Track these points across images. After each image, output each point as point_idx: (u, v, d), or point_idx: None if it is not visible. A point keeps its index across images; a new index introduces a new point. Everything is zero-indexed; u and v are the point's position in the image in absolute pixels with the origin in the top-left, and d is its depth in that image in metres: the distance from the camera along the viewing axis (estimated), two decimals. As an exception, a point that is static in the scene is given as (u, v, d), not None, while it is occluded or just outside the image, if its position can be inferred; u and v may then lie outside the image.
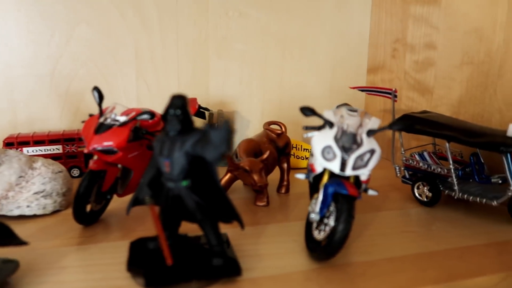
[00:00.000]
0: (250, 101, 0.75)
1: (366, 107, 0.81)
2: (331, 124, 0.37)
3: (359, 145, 0.36)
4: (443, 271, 0.35)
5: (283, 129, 0.58)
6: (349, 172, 0.35)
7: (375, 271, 0.35)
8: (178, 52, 0.70)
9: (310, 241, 0.38)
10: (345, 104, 0.55)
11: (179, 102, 0.31)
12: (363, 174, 0.36)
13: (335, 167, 0.36)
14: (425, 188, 0.50)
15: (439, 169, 0.49)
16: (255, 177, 0.48)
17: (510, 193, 0.43)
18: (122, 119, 0.43)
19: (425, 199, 0.50)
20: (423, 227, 0.45)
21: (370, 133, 0.36)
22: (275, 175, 0.57)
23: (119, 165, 0.44)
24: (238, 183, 0.53)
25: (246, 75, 0.74)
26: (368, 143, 0.36)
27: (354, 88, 0.51)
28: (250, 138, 0.55)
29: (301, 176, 0.41)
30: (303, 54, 0.76)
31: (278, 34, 0.74)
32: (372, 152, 0.36)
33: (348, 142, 0.36)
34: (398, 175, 0.54)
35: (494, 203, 0.44)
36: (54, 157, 0.59)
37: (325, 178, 0.37)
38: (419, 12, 0.66)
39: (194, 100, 0.59)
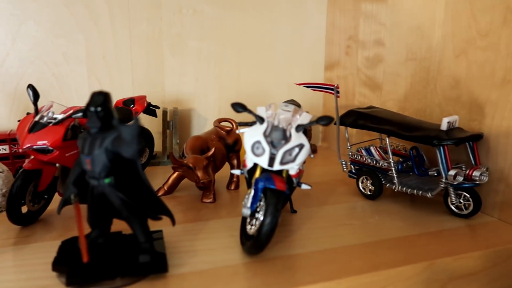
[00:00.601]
0: (206, 99, 0.75)
1: (324, 103, 0.82)
2: (261, 120, 0.38)
3: (287, 140, 0.36)
4: (369, 261, 0.36)
5: (234, 126, 0.58)
6: (277, 166, 0.36)
7: (304, 263, 0.36)
8: (131, 50, 0.69)
9: (244, 235, 0.38)
10: (292, 100, 0.57)
11: (99, 99, 0.31)
12: (292, 168, 0.37)
13: (263, 162, 0.36)
14: (368, 182, 0.51)
15: (381, 163, 0.50)
16: (199, 173, 0.48)
17: (442, 185, 0.44)
18: (60, 117, 0.43)
19: (369, 193, 0.52)
20: (362, 219, 0.46)
21: (299, 128, 0.37)
22: (225, 172, 0.57)
23: (57, 164, 0.44)
24: (188, 180, 0.53)
25: (202, 73, 0.74)
26: (297, 138, 0.37)
27: (299, 84, 0.51)
28: (198, 135, 0.55)
29: (237, 171, 0.42)
30: (260, 51, 0.77)
31: (233, 31, 0.74)
32: (300, 147, 0.36)
33: (277, 137, 0.36)
34: (345, 169, 0.55)
35: (429, 195, 0.45)
36: (1, 157, 0.58)
37: (257, 173, 0.38)
38: (369, 9, 0.67)
39: (143, 98, 0.58)
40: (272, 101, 0.56)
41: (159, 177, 0.58)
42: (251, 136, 0.37)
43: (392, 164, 0.48)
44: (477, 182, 0.44)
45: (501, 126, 0.45)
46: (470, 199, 0.44)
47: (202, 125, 0.75)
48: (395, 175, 0.48)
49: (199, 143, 0.53)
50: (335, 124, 0.50)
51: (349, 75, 0.74)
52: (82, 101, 0.68)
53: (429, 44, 0.55)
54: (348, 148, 0.53)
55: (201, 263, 0.36)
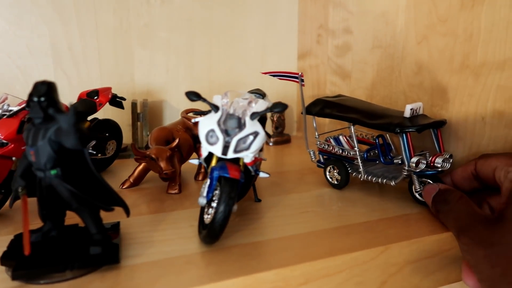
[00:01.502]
0: (178, 90, 0.74)
1: (298, 92, 0.82)
2: (216, 108, 0.37)
3: (241, 128, 0.36)
4: (325, 247, 0.37)
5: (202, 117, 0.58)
6: (231, 155, 0.36)
7: (261, 251, 0.36)
8: (98, 42, 0.68)
9: (201, 225, 0.38)
10: (257, 89, 0.56)
11: (42, 89, 0.31)
12: (247, 156, 0.37)
13: (217, 150, 0.36)
14: (335, 171, 0.51)
15: (347, 152, 0.50)
16: (162, 164, 0.48)
17: (405, 173, 0.44)
18: (15, 109, 0.42)
19: (335, 182, 0.51)
20: (325, 207, 0.46)
21: (254, 116, 0.37)
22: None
23: (14, 158, 0.43)
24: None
25: (172, 64, 0.73)
26: (251, 126, 0.36)
27: (265, 73, 0.51)
28: (163, 126, 0.55)
29: (195, 161, 0.41)
30: (232, 41, 0.76)
31: (204, 21, 0.73)
32: (255, 134, 0.36)
33: (231, 125, 0.36)
34: (313, 159, 0.55)
35: (393, 183, 0.45)
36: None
37: (213, 162, 0.38)
38: (337, -3, 0.67)
39: (108, 89, 0.58)
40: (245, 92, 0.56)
41: (129, 169, 0.58)
42: (205, 125, 0.37)
43: (357, 152, 0.48)
44: (440, 169, 0.43)
45: (460, 112, 0.46)
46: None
47: (173, 117, 0.74)
48: (360, 164, 0.48)
49: (164, 134, 0.53)
50: (302, 113, 0.50)
51: (320, 64, 0.73)
52: (48, 94, 0.67)
53: (393, 31, 0.55)
54: (316, 138, 0.53)
55: (157, 253, 0.36)
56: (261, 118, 0.44)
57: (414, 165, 0.43)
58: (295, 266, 0.34)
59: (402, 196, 0.48)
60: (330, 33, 0.69)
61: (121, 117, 0.70)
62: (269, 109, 0.37)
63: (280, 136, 0.78)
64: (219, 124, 0.36)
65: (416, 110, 0.45)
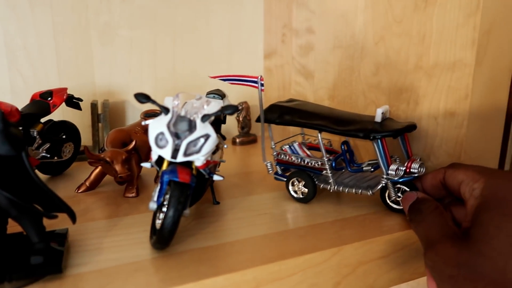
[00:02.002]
0: (141, 90, 0.72)
1: (266, 93, 0.82)
2: (166, 111, 0.36)
3: (192, 130, 0.35)
4: (279, 250, 0.36)
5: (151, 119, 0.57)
6: (180, 158, 0.35)
7: (212, 255, 0.35)
8: (55, 40, 0.66)
9: (153, 230, 0.37)
10: (217, 90, 0.55)
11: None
12: (198, 159, 0.36)
13: (167, 154, 0.35)
14: (300, 184, 0.47)
15: (313, 162, 0.46)
16: (117, 167, 0.46)
17: (384, 182, 0.42)
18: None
19: (301, 196, 0.47)
20: (282, 208, 0.46)
21: (205, 118, 0.36)
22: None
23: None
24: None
25: (135, 63, 0.71)
26: (202, 129, 0.36)
27: (214, 77, 0.48)
28: (120, 128, 0.53)
29: (146, 164, 0.40)
30: (196, 41, 0.75)
31: (167, 20, 0.72)
32: (206, 137, 0.36)
33: (181, 128, 0.35)
34: (270, 171, 0.50)
35: (370, 193, 0.43)
36: None
37: (164, 166, 0.37)
38: (300, -3, 0.67)
39: (63, 90, 0.56)
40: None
41: (88, 173, 0.56)
42: (154, 127, 0.36)
43: (326, 162, 0.44)
44: (416, 175, 0.41)
45: (415, 112, 0.46)
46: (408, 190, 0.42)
47: (136, 118, 0.73)
48: (330, 174, 0.45)
49: (121, 136, 0.52)
50: (257, 121, 0.48)
51: (285, 63, 0.73)
52: (3, 96, 0.65)
53: (353, 31, 0.55)
54: (272, 148, 0.49)
55: (104, 261, 0.35)
56: (217, 120, 0.44)
57: (393, 173, 0.41)
58: (246, 270, 0.33)
59: (360, 197, 0.48)
60: (294, 33, 0.69)
61: (82, 118, 0.68)
62: (220, 111, 0.36)
63: (246, 136, 0.77)
64: (168, 127, 0.35)
65: (385, 114, 0.43)
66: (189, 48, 0.75)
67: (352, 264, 0.38)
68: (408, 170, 0.41)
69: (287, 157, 0.48)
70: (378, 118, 0.42)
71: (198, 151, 0.35)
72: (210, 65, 0.77)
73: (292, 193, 0.48)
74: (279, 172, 0.50)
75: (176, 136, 0.35)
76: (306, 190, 0.46)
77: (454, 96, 0.42)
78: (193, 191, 0.37)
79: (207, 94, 0.53)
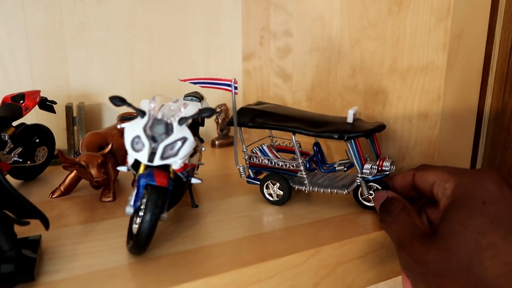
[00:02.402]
0: (117, 93, 0.71)
1: (244, 95, 0.82)
2: (142, 114, 0.36)
3: (169, 134, 0.35)
4: (257, 252, 0.36)
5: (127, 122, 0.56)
6: (157, 162, 0.35)
7: (190, 259, 0.35)
8: (28, 42, 0.64)
9: (130, 235, 0.37)
10: (195, 93, 0.55)
11: None
12: (175, 163, 0.36)
13: (143, 157, 0.35)
14: (275, 186, 0.47)
15: (288, 164, 0.46)
16: (93, 171, 0.45)
17: (358, 181, 0.43)
18: None
19: (276, 198, 0.47)
20: (261, 211, 0.46)
21: (182, 121, 0.36)
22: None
23: None
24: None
25: (111, 65, 0.70)
26: (180, 131, 0.35)
27: (184, 80, 0.47)
28: (96, 131, 0.52)
29: (123, 168, 0.40)
30: (174, 43, 0.74)
31: (143, 22, 0.71)
32: (183, 140, 0.35)
33: (158, 131, 0.35)
34: (243, 176, 0.49)
35: (345, 192, 0.43)
36: None
37: (141, 169, 0.36)
38: (278, -1, 0.67)
39: (36, 92, 0.54)
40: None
41: (63, 177, 0.55)
42: (130, 131, 0.35)
43: (301, 163, 0.45)
44: (388, 173, 0.42)
45: (390, 114, 0.47)
46: (380, 189, 0.43)
47: (113, 121, 0.72)
48: (305, 176, 0.45)
49: (96, 139, 0.51)
50: (229, 125, 0.48)
51: (263, 65, 0.74)
52: (-28, 98, 0.62)
53: (330, 34, 0.56)
54: (243, 151, 0.48)
55: (79, 267, 0.34)
56: (194, 123, 0.43)
57: (368, 171, 0.42)
58: (225, 274, 0.33)
59: (336, 198, 0.49)
60: (272, 35, 0.69)
61: (57, 121, 0.66)
62: (197, 114, 0.36)
63: (225, 139, 0.77)
64: (145, 130, 0.35)
65: (356, 114, 0.44)
66: (167, 50, 0.74)
67: (331, 265, 0.38)
68: (380, 168, 0.43)
69: (259, 160, 0.48)
70: (350, 119, 0.43)
71: (175, 154, 0.35)
72: (189, 67, 0.76)
73: (267, 196, 0.48)
74: (251, 175, 0.49)
75: (153, 139, 0.35)
76: (281, 192, 0.47)
77: (427, 98, 0.43)
78: (170, 194, 0.37)
79: (184, 97, 0.52)
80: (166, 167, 0.37)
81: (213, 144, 0.77)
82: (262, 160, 0.48)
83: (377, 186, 0.43)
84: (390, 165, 0.42)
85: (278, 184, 0.47)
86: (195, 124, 0.42)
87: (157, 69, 0.74)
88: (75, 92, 0.69)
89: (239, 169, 0.50)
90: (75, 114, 0.65)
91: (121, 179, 0.56)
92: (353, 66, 0.52)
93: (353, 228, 0.41)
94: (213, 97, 0.79)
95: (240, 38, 0.80)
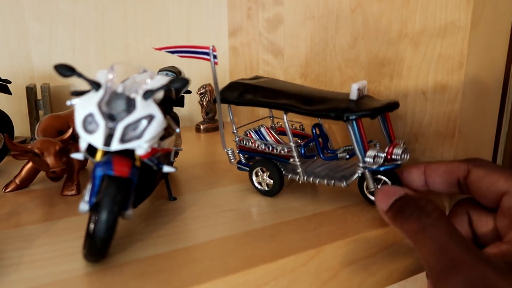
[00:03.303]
0: (88, 72, 0.62)
1: (231, 70, 0.74)
2: (97, 86, 0.29)
3: (130, 110, 0.28)
4: (244, 255, 0.30)
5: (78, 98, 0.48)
6: (116, 145, 0.27)
7: (162, 266, 0.28)
8: (-21, 13, 0.56)
9: (87, 237, 0.30)
10: (172, 67, 0.48)
11: None
12: (139, 147, 0.28)
13: (97, 140, 0.27)
14: (265, 174, 0.40)
15: (279, 149, 0.39)
16: (49, 160, 0.38)
17: (360, 171, 0.35)
18: None
19: (266, 188, 0.41)
20: (250, 203, 0.39)
21: (148, 94, 0.29)
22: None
23: None
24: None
25: (80, 41, 0.62)
26: (144, 108, 0.28)
27: (159, 49, 0.40)
28: (56, 114, 0.45)
29: (77, 155, 0.32)
30: (151, 16, 0.66)
31: (115, -8, 0.63)
32: (149, 118, 0.28)
33: (116, 107, 0.28)
34: (232, 160, 0.43)
35: (344, 184, 0.36)
36: None
37: (98, 156, 0.29)
38: (267, -36, 0.59)
39: (-16, 70, 0.46)
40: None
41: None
42: (81, 108, 0.28)
43: (293, 148, 0.38)
44: (399, 163, 0.34)
45: (399, 87, 0.40)
46: (390, 183, 0.35)
47: (84, 104, 0.64)
48: (298, 163, 0.38)
49: (56, 123, 0.43)
50: (214, 101, 0.41)
51: (251, 40, 0.66)
52: None
53: (326, 0, 0.48)
54: (234, 133, 0.42)
55: (20, 281, 0.27)
56: (167, 99, 0.36)
57: (371, 160, 0.34)
58: (203, 284, 0.26)
59: (339, 187, 0.42)
60: (261, 5, 0.62)
61: (18, 105, 0.59)
62: (166, 85, 0.29)
63: (211, 123, 0.70)
64: (100, 107, 0.28)
65: (362, 90, 0.36)
66: (143, 24, 0.66)
67: (334, 268, 0.32)
68: (389, 157, 0.35)
69: (251, 144, 0.41)
70: (353, 96, 0.35)
71: (139, 136, 0.28)
72: (167, 43, 0.69)
73: (257, 185, 0.41)
74: (243, 161, 0.43)
75: (110, 117, 0.28)
76: (271, 181, 0.40)
77: (446, 66, 0.36)
78: (138, 186, 0.30)
79: (159, 72, 0.45)
80: (130, 153, 0.29)
81: (197, 129, 0.70)
82: (254, 143, 0.41)
83: (386, 179, 0.35)
84: (402, 153, 0.34)
85: (268, 172, 0.40)
86: (167, 101, 0.35)
87: (132, 46, 0.66)
88: (39, 72, 0.61)
89: (227, 153, 0.43)
90: (39, 97, 0.57)
91: (88, 169, 0.49)
92: (354, 34, 0.45)
93: (359, 222, 0.34)
94: (197, 76, 0.71)
95: (225, 10, 0.72)
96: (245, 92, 0.39)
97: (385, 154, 0.34)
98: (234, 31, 0.71)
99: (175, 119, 0.44)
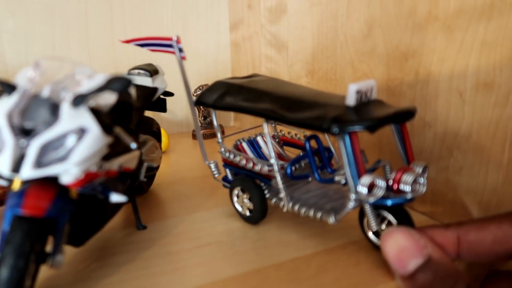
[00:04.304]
0: (69, 72, 0.57)
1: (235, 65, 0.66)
2: (9, 89, 0.21)
3: (50, 121, 0.20)
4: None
5: None
6: (29, 172, 0.20)
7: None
8: None
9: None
10: (149, 65, 0.40)
11: None
12: (66, 172, 0.21)
13: (2, 164, 0.20)
14: (245, 196, 0.33)
15: (260, 166, 0.31)
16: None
17: (351, 205, 0.26)
18: None
19: (247, 213, 0.33)
20: (236, 234, 0.31)
21: (78, 100, 0.21)
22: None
23: None
24: None
25: (60, 37, 0.56)
26: (73, 118, 0.21)
27: (127, 41, 0.32)
28: None
29: None
30: (141, 8, 0.59)
31: (99, -19, 0.56)
32: (80, 132, 0.20)
33: (34, 117, 0.20)
34: (216, 175, 0.35)
35: (331, 220, 0.27)
36: None
37: (16, 185, 0.21)
38: None
39: None
40: (166, 74, 0.40)
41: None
42: (-13, 118, 0.21)
43: (275, 166, 0.29)
44: (409, 196, 0.25)
45: (427, 85, 0.31)
46: (395, 223, 0.26)
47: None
48: (281, 186, 0.29)
49: None
50: (197, 104, 0.33)
51: (253, 34, 0.58)
52: None
53: (336, -21, 0.40)
54: (218, 142, 0.34)
55: None
56: (123, 104, 0.28)
57: (365, 191, 0.24)
58: None
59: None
60: (262, -7, 0.54)
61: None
62: (102, 88, 0.21)
63: (209, 128, 0.62)
64: (10, 117, 0.20)
65: (365, 92, 0.27)
66: (132, 18, 0.59)
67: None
68: (395, 186, 0.25)
69: (235, 158, 0.33)
70: (351, 100, 0.26)
71: (64, 158, 0.20)
72: (161, 40, 0.61)
73: (238, 207, 0.34)
74: (229, 176, 0.35)
75: (24, 132, 0.20)
76: (252, 205, 0.32)
77: (492, 57, 0.27)
78: (78, 221, 0.22)
79: (129, 71, 0.38)
80: (54, 181, 0.22)
81: (194, 135, 0.62)
82: (235, 156, 0.33)
83: (391, 218, 0.26)
84: (415, 183, 0.25)
85: (248, 194, 0.33)
86: (123, 107, 0.27)
87: (119, 43, 0.59)
88: (13, 71, 0.54)
89: (210, 167, 0.35)
90: None
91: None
92: (370, 21, 0.36)
93: (374, 268, 0.26)
94: (193, 75, 0.64)
95: (225, 3, 0.64)
96: (226, 94, 0.31)
97: (385, 183, 0.24)
98: (235, 24, 0.63)
99: (150, 127, 0.36)
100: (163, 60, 0.52)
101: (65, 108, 0.21)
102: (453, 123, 0.30)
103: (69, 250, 0.28)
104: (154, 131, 0.40)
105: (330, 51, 0.42)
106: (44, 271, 0.26)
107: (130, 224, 0.33)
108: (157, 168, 0.41)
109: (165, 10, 0.61)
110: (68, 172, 0.21)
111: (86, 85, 0.22)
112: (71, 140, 0.20)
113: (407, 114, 0.26)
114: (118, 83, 0.20)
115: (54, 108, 0.21)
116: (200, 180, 0.44)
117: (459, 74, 0.29)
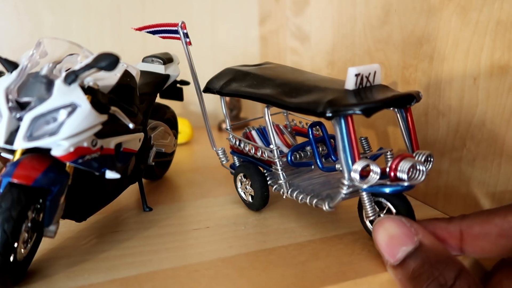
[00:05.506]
0: (103, 65, 0.60)
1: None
2: (11, 66, 0.23)
3: (44, 97, 0.21)
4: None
5: None
6: (21, 143, 0.21)
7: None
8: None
9: None
10: (165, 53, 0.41)
11: None
12: (56, 145, 0.22)
13: (-1, 136, 0.21)
14: (247, 182, 0.33)
15: (260, 152, 0.31)
16: None
17: (344, 191, 0.25)
18: None
19: (250, 200, 0.33)
20: (235, 219, 0.31)
21: (70, 77, 0.22)
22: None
23: None
24: None
25: (94, 32, 0.59)
26: (64, 94, 0.22)
27: (139, 29, 0.34)
28: None
29: None
30: (171, 4, 0.61)
31: (132, -22, 0.59)
32: (71, 108, 0.21)
33: (30, 92, 0.22)
34: (224, 162, 0.36)
35: (326, 207, 0.26)
36: None
37: (16, 156, 0.23)
38: None
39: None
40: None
41: None
42: (-13, 93, 0.22)
43: (275, 153, 0.29)
44: (407, 184, 0.23)
45: (441, 71, 0.30)
46: (394, 213, 0.25)
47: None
48: (280, 172, 0.29)
49: None
50: (205, 91, 0.34)
51: (279, 27, 0.58)
52: None
53: (354, -35, 0.39)
54: (227, 130, 0.35)
55: None
56: (123, 86, 0.29)
57: (357, 176, 0.24)
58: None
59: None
60: (287, -15, 0.53)
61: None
62: (89, 65, 0.22)
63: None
64: (8, 92, 0.22)
65: (366, 76, 0.26)
66: (164, 13, 0.61)
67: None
68: (393, 173, 0.23)
69: (241, 145, 0.33)
70: (349, 85, 0.25)
71: (56, 132, 0.21)
72: (193, 34, 0.62)
73: (241, 194, 0.34)
74: (237, 164, 0.35)
75: (21, 106, 0.22)
76: (253, 192, 0.32)
77: (508, 38, 0.25)
78: (76, 195, 0.24)
79: (144, 58, 0.39)
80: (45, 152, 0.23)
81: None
82: (240, 143, 0.33)
83: (390, 205, 0.25)
84: (412, 169, 0.23)
85: (249, 180, 0.33)
86: (124, 90, 0.27)
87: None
88: None
89: (217, 153, 0.36)
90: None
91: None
92: (387, 6, 0.35)
93: (368, 258, 0.25)
94: (219, 65, 0.65)
95: (255, -3, 0.64)
96: (232, 81, 0.32)
97: (380, 169, 0.23)
98: (264, 18, 0.63)
99: (162, 114, 0.37)
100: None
101: (58, 85, 0.22)
102: (467, 111, 0.28)
103: (73, 226, 0.30)
104: (169, 119, 0.41)
105: (349, 40, 0.41)
106: (47, 243, 0.27)
107: (137, 206, 0.34)
108: (170, 155, 0.42)
109: (194, 5, 0.62)
110: (60, 145, 0.22)
111: (80, 64, 0.23)
112: (61, 115, 0.21)
113: (408, 98, 0.24)
114: (105, 60, 0.21)
115: (49, 85, 0.22)
116: (215, 169, 0.44)
117: (473, 57, 0.27)
